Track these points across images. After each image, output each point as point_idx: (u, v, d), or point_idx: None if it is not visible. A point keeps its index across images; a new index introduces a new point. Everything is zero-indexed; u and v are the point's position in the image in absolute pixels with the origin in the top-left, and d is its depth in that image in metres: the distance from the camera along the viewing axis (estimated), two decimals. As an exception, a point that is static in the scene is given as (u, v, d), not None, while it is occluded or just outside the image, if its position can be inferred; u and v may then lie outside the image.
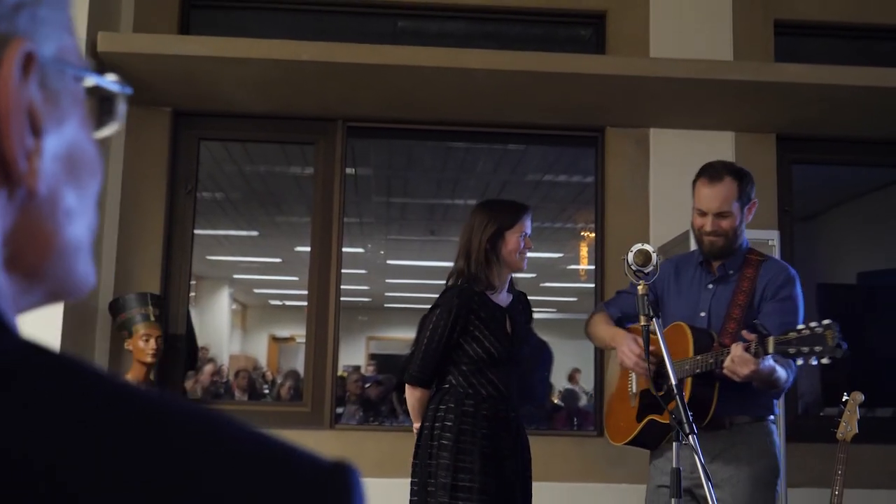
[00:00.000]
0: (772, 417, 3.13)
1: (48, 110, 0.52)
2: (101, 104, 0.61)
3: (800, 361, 2.81)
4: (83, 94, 0.57)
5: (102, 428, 0.44)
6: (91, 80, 0.58)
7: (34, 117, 0.51)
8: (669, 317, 3.20)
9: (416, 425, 3.50)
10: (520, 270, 3.62)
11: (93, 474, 0.42)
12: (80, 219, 0.56)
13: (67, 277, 0.55)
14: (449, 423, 3.38)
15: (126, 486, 0.42)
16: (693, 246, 4.48)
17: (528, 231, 3.57)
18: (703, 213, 3.18)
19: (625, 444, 3.36)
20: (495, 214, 3.54)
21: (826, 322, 2.75)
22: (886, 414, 5.31)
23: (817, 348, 2.73)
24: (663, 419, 3.00)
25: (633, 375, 3.22)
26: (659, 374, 3.09)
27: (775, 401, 3.18)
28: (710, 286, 3.19)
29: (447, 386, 3.49)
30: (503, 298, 3.58)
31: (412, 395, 3.48)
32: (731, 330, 3.08)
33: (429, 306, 3.61)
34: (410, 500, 3.43)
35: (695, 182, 3.27)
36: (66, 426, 0.44)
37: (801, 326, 2.82)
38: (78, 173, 0.56)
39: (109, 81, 0.60)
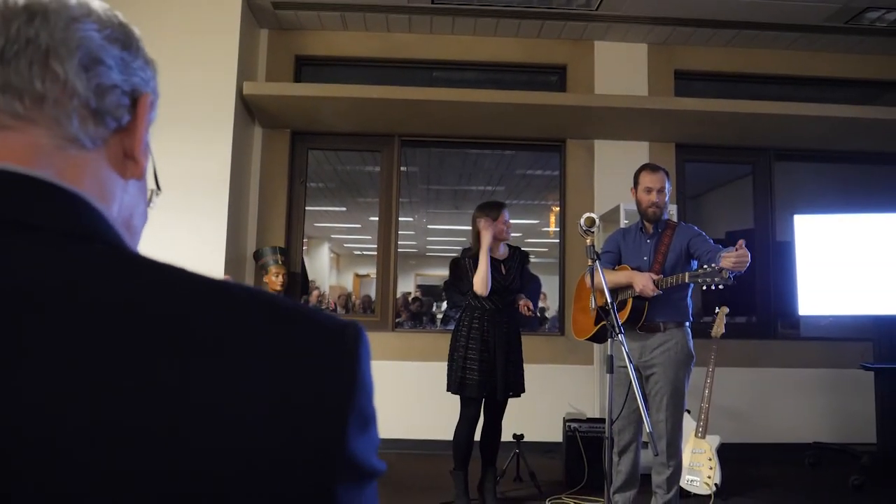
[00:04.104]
0: (688, 323, 3.12)
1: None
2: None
3: (704, 287, 2.87)
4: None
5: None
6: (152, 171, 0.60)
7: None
8: (625, 261, 3.23)
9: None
10: (506, 240, 3.63)
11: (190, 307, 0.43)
12: (141, 217, 0.57)
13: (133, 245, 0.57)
14: (465, 325, 3.54)
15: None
16: (622, 217, 4.49)
17: (507, 218, 3.58)
18: (650, 191, 3.16)
19: (585, 339, 3.40)
20: (486, 212, 3.57)
21: (721, 265, 2.80)
22: (742, 320, 5.32)
23: (717, 279, 2.81)
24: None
25: (593, 296, 3.18)
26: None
27: (691, 314, 3.14)
28: (648, 241, 3.19)
29: (467, 304, 3.60)
30: (501, 253, 3.62)
31: (480, 286, 3.46)
32: (656, 269, 3.11)
33: (453, 254, 3.66)
34: (447, 367, 3.56)
35: (639, 173, 3.23)
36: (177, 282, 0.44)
37: (705, 267, 2.87)
38: (144, 197, 0.58)
39: (157, 174, 0.63)
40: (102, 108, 0.51)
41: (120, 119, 0.52)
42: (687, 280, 2.91)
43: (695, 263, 3.14)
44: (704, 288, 2.89)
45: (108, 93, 0.51)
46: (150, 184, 0.60)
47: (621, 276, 3.11)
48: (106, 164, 0.51)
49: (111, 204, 0.51)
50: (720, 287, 2.84)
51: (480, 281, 3.45)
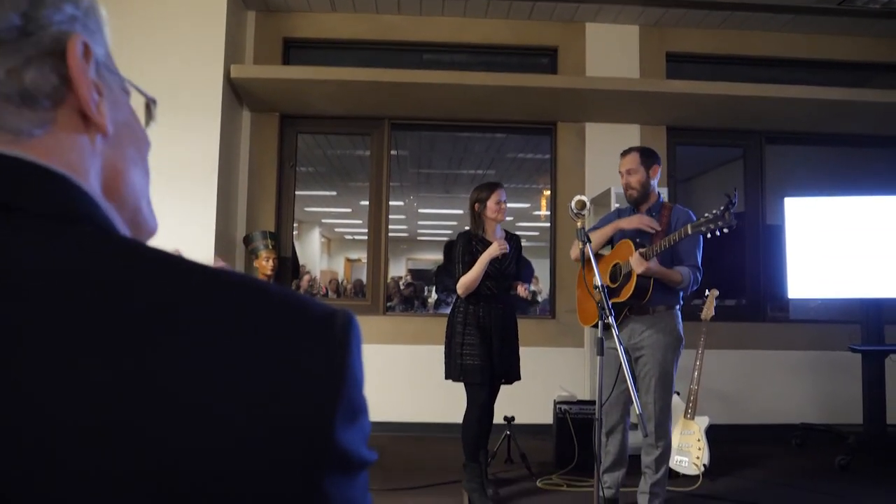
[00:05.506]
0: (678, 307, 3.12)
1: (105, 91, 0.50)
2: (145, 114, 0.58)
3: (709, 235, 2.84)
4: (128, 96, 0.54)
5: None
6: (131, 87, 0.55)
7: (97, 84, 0.49)
8: (619, 240, 3.19)
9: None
10: (500, 221, 3.55)
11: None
12: (139, 170, 0.53)
13: (136, 213, 0.53)
14: (461, 310, 3.48)
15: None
16: (612, 200, 4.50)
17: (503, 198, 3.52)
18: (621, 175, 3.18)
19: (591, 326, 3.29)
20: (478, 192, 3.55)
21: (723, 208, 2.80)
22: (731, 303, 5.37)
23: (720, 223, 2.80)
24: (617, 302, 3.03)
25: (596, 273, 3.16)
26: (612, 278, 3.11)
27: (681, 297, 3.13)
28: None
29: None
30: (498, 238, 3.53)
31: (462, 289, 3.45)
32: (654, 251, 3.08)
33: (444, 238, 3.62)
34: (445, 354, 3.52)
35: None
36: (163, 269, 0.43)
37: (707, 215, 2.85)
38: (134, 138, 0.53)
39: (143, 89, 0.57)
40: (27, 93, 0.45)
41: (53, 94, 0.46)
42: (690, 232, 2.86)
43: None
44: (709, 236, 2.85)
45: (24, 71, 0.45)
46: (140, 125, 0.55)
47: (608, 228, 3.11)
48: (66, 137, 0.47)
49: (86, 178, 0.48)
50: (725, 231, 2.80)
51: (467, 283, 3.41)
